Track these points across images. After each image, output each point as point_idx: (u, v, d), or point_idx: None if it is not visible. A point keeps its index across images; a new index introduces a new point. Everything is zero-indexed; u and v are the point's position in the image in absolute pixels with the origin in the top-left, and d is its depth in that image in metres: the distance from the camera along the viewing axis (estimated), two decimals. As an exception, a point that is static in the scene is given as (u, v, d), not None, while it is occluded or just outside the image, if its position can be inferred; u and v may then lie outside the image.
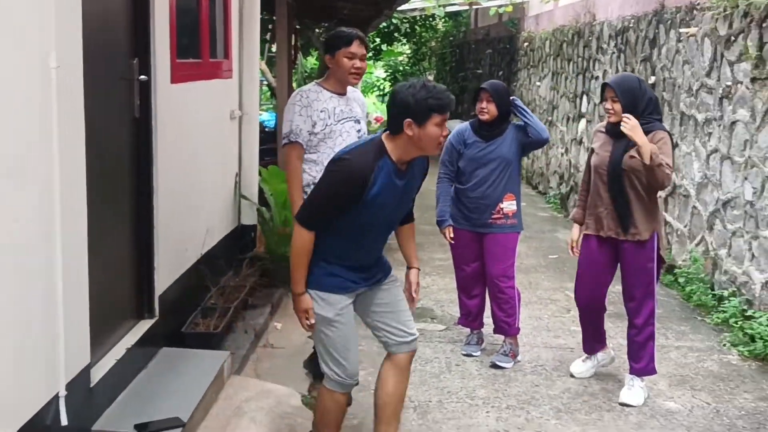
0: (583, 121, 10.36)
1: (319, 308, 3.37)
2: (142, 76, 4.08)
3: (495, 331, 5.26)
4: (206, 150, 5.37)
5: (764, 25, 5.77)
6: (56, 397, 3.06)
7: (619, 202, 4.47)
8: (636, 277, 4.55)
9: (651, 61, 8.07)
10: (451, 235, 5.14)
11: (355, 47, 4.29)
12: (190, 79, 4.90)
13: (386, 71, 25.06)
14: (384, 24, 17.76)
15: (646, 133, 4.31)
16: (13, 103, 2.73)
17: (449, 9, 16.94)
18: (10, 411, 2.76)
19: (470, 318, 5.36)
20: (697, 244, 6.86)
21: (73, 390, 3.16)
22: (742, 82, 6.11)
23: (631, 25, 8.73)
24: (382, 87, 26.03)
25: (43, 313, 2.98)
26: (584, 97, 10.44)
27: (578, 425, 4.32)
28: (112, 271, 3.89)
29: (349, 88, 4.45)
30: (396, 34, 20.88)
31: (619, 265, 4.64)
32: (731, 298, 6.03)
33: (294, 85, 11.68)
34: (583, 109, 10.43)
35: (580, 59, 10.68)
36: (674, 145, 7.31)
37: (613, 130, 4.50)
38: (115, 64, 3.90)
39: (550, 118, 11.98)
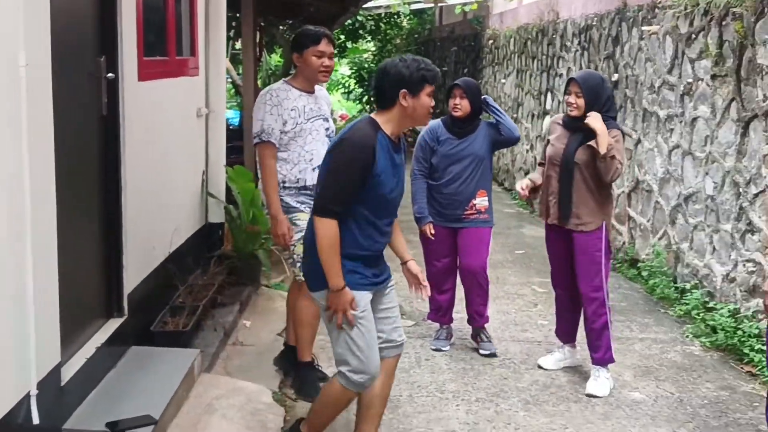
0: (547, 118, 10.46)
1: None
2: (110, 74, 4.06)
3: (470, 323, 5.38)
4: (174, 148, 5.35)
5: (724, 23, 5.89)
6: (27, 396, 3.04)
7: (564, 192, 4.66)
8: (584, 267, 4.71)
9: (614, 58, 8.19)
10: (432, 231, 5.19)
11: (324, 45, 4.31)
12: (157, 76, 4.88)
13: (351, 69, 25.05)
14: (349, 21, 17.76)
15: None
16: (-19, 101, 2.71)
17: (414, 6, 17.03)
18: (-19, 410, 2.75)
19: (440, 313, 5.42)
20: (659, 238, 6.98)
21: (44, 389, 3.15)
22: (702, 79, 6.24)
23: (594, 23, 8.85)
24: (347, 85, 26.01)
25: (13, 312, 2.96)
26: (549, 94, 10.55)
27: (546, 416, 4.39)
28: (81, 270, 3.87)
29: (316, 86, 4.47)
30: (361, 32, 20.88)
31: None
32: (693, 291, 6.16)
33: (259, 82, 11.64)
34: (548, 106, 10.55)
35: (544, 57, 10.80)
36: (637, 142, 7.45)
37: (571, 124, 4.70)
38: (83, 62, 3.88)
39: (515, 115, 12.08)
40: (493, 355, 5.25)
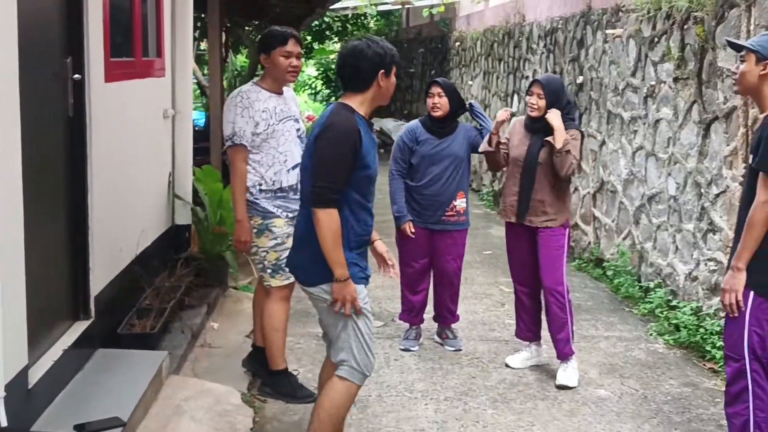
0: (514, 120, 10.53)
1: None
2: (76, 75, 4.04)
3: (441, 322, 5.46)
4: (140, 149, 5.33)
5: (686, 26, 6.00)
6: (-6, 399, 3.02)
7: (525, 191, 4.80)
8: (548, 261, 4.83)
9: (579, 61, 8.29)
10: (412, 230, 5.20)
11: (291, 46, 4.32)
12: (123, 77, 4.86)
13: (318, 70, 25.03)
14: (316, 22, 17.73)
15: None
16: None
17: (381, 8, 17.03)
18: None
19: (413, 314, 5.46)
20: (624, 238, 7.08)
21: (12, 391, 3.12)
22: (665, 82, 6.34)
23: (559, 26, 8.94)
24: (314, 86, 25.98)
25: (-21, 314, 2.94)
26: (515, 96, 10.64)
27: (514, 414, 4.44)
28: (47, 272, 3.84)
29: (284, 88, 4.48)
30: (328, 33, 20.84)
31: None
32: (657, 290, 6.26)
33: (224, 83, 11.59)
34: (514, 108, 10.63)
35: (510, 59, 10.89)
36: (602, 143, 7.55)
37: (532, 126, 4.86)
38: (49, 63, 3.85)
39: (481, 117, 12.15)
40: (459, 350, 5.31)
